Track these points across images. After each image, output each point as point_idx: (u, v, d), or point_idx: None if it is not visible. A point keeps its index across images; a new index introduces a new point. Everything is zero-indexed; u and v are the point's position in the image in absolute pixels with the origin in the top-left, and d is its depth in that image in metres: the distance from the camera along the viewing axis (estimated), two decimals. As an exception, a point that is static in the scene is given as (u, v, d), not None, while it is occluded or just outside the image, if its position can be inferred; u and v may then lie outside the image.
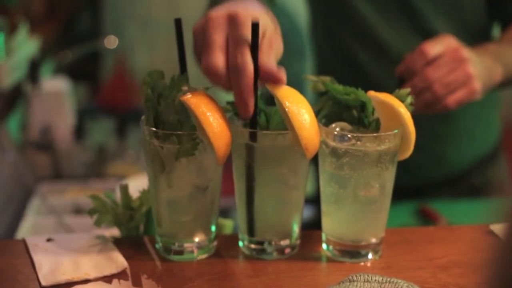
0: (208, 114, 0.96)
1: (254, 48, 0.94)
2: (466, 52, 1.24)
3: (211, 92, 1.01)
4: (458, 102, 1.23)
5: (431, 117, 1.64)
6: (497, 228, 1.13)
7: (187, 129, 0.98)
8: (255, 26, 0.93)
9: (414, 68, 1.22)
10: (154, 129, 0.98)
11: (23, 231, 1.63)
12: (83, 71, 3.09)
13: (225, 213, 1.31)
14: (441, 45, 1.23)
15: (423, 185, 1.72)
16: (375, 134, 1.00)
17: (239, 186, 1.04)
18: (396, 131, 1.00)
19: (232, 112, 1.02)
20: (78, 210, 1.76)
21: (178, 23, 1.03)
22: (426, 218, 1.74)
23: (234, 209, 1.75)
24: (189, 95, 0.97)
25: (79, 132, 2.15)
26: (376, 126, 1.02)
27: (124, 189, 1.09)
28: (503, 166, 1.80)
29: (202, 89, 0.99)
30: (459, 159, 1.71)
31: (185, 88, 0.98)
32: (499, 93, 1.73)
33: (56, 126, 2.11)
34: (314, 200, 1.61)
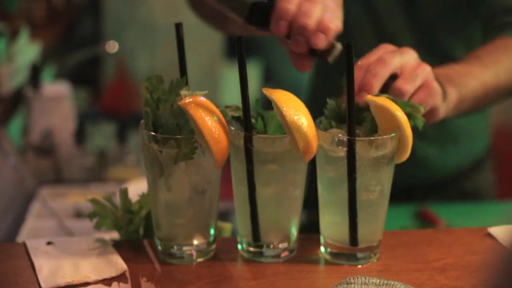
0: (206, 118, 0.97)
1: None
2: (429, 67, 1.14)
3: (209, 97, 1.02)
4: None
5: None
6: (495, 230, 1.13)
7: (186, 133, 0.98)
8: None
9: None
10: (153, 133, 0.99)
11: (24, 235, 1.63)
12: (84, 76, 3.10)
13: (223, 216, 1.31)
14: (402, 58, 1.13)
15: (411, 186, 1.72)
16: (372, 138, 1.01)
17: (237, 190, 1.05)
18: (393, 134, 1.01)
19: (230, 116, 1.03)
20: (78, 214, 1.77)
21: (178, 27, 1.04)
22: (426, 221, 1.74)
23: (232, 213, 1.76)
24: (187, 100, 0.98)
25: (80, 136, 2.16)
26: (371, 126, 1.02)
27: (124, 193, 1.10)
28: (492, 172, 1.81)
29: (200, 94, 1.00)
30: (443, 164, 1.71)
31: (184, 92, 0.99)
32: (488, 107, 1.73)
33: (57, 130, 2.12)
34: (311, 204, 1.62)
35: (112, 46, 3.01)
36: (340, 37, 1.10)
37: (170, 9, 3.31)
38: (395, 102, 1.02)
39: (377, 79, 1.05)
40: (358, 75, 1.06)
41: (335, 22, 1.07)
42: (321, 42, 1.05)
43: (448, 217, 1.71)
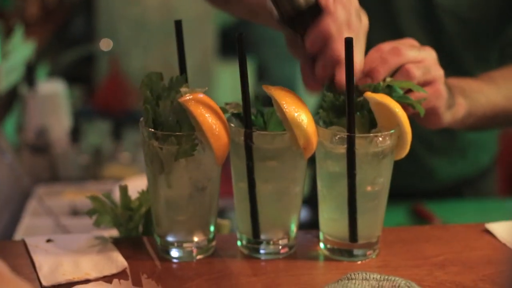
0: (206, 115, 0.97)
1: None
2: (442, 71, 1.13)
3: (209, 93, 1.02)
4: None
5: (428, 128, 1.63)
6: (493, 227, 1.14)
7: (186, 130, 0.99)
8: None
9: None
10: (153, 130, 0.99)
11: (20, 233, 1.63)
12: (78, 74, 3.09)
13: (221, 213, 1.32)
14: (420, 53, 1.11)
15: (412, 191, 1.73)
16: (371, 135, 1.01)
17: (237, 186, 1.05)
18: (392, 131, 1.01)
19: (230, 113, 1.04)
20: (75, 212, 1.77)
21: (178, 24, 1.04)
22: (420, 218, 1.75)
23: (231, 210, 1.76)
24: (187, 97, 0.98)
25: (75, 134, 2.16)
26: (363, 117, 1.03)
27: (124, 190, 1.10)
28: (495, 181, 1.82)
29: (200, 91, 1.00)
30: (448, 174, 1.72)
31: (184, 89, 0.99)
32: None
33: (52, 128, 2.11)
34: (309, 201, 1.62)
35: (106, 44, 3.01)
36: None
37: (163, 7, 3.31)
38: (396, 91, 1.02)
39: (385, 68, 1.05)
40: (371, 56, 1.06)
41: (362, 61, 1.05)
42: (344, 79, 1.00)
43: (443, 214, 1.72)
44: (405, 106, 1.03)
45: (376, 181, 1.03)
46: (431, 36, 1.52)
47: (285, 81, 3.08)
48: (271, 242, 1.05)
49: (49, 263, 1.01)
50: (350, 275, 0.93)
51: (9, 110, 2.17)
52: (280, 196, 1.04)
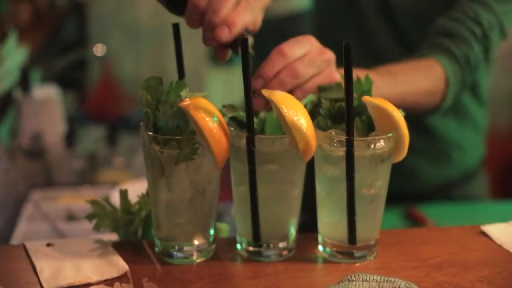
0: (207, 119, 0.98)
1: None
2: (331, 54, 1.13)
3: (209, 98, 1.03)
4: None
5: (410, 130, 1.65)
6: (489, 229, 1.16)
7: (187, 134, 0.99)
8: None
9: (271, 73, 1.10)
10: (154, 134, 0.99)
11: (17, 238, 1.63)
12: (70, 79, 3.09)
13: (219, 217, 1.33)
14: (302, 47, 1.11)
15: (398, 194, 1.74)
16: (369, 138, 1.03)
17: (237, 190, 1.06)
18: (390, 134, 1.02)
19: (229, 117, 1.04)
20: (71, 217, 1.77)
21: (176, 28, 1.05)
22: (414, 221, 1.76)
23: (227, 213, 1.77)
24: (187, 101, 0.99)
25: (69, 139, 2.16)
26: (361, 123, 1.04)
27: (124, 194, 1.10)
28: (483, 183, 1.83)
29: (201, 95, 1.01)
30: (431, 176, 1.73)
31: (184, 93, 1.00)
32: (483, 120, 1.75)
33: (46, 133, 2.11)
34: (306, 204, 1.63)
35: (100, 50, 3.01)
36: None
37: (155, 12, 3.31)
38: None
39: (274, 70, 1.07)
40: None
41: (243, 16, 1.07)
42: (224, 36, 1.06)
43: (436, 217, 1.73)
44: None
45: (375, 184, 1.04)
46: (393, 34, 1.57)
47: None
48: (271, 245, 1.06)
49: (50, 267, 1.02)
50: (351, 276, 0.94)
51: (3, 115, 2.17)
52: (279, 199, 1.05)
